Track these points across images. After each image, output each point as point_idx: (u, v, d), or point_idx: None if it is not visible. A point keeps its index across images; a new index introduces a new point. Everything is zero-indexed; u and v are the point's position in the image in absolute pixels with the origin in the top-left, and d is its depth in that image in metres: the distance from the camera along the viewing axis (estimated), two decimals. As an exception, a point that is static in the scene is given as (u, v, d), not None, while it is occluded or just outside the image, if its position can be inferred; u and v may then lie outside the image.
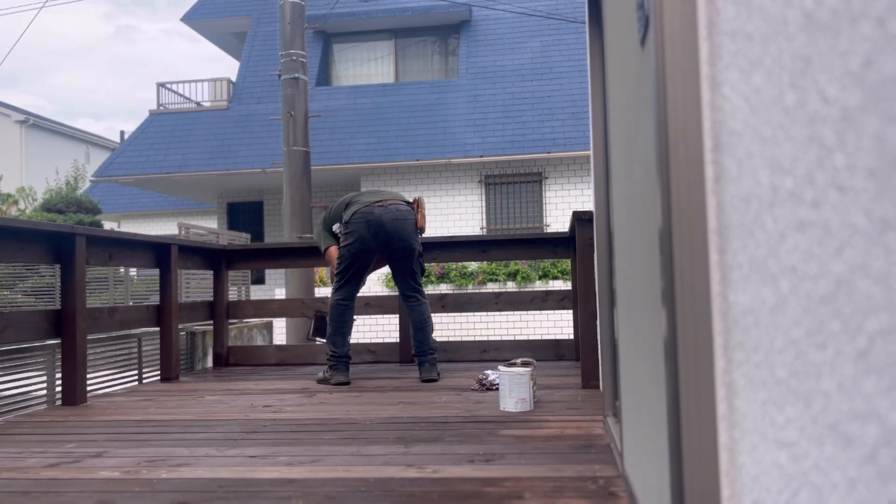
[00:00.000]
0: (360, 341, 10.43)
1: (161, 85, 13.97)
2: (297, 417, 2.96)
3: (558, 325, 11.07)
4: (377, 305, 5.01)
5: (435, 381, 3.86)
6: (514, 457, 2.19)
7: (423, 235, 3.95)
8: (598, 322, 3.15)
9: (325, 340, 4.31)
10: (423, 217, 3.97)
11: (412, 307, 3.96)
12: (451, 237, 4.83)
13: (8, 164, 23.41)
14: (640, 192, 1.38)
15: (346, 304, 3.89)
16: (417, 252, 3.94)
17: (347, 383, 3.87)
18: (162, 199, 19.15)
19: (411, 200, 3.99)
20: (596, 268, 2.88)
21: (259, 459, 2.24)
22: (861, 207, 0.53)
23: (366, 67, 13.97)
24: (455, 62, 13.70)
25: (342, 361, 3.89)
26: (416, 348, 3.94)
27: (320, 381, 3.95)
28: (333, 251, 4.06)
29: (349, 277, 3.88)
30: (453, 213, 12.31)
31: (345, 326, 3.90)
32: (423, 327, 3.93)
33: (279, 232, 14.28)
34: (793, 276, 0.66)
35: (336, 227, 4.04)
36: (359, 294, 10.58)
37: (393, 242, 3.83)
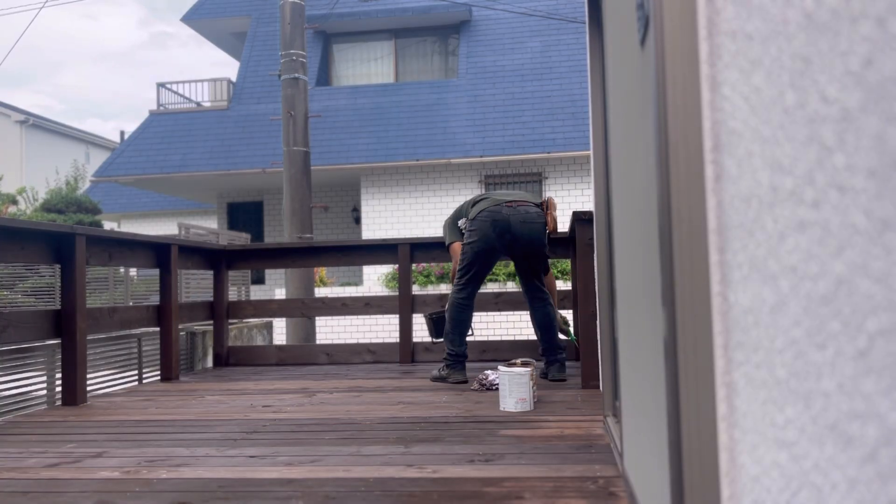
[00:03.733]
0: (361, 341, 10.42)
1: (161, 85, 13.97)
2: (297, 417, 2.96)
3: (558, 325, 11.06)
4: (377, 305, 5.01)
5: (564, 381, 3.77)
6: (514, 457, 2.19)
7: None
8: (598, 322, 3.15)
9: (437, 340, 4.29)
10: (554, 219, 3.83)
11: (537, 308, 3.84)
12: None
13: (8, 164, 23.41)
14: (640, 192, 1.38)
15: (467, 304, 3.81)
16: (544, 254, 3.82)
17: (465, 381, 3.82)
18: (162, 199, 19.14)
19: (541, 201, 3.86)
20: (596, 268, 2.88)
21: (259, 459, 2.24)
22: (861, 207, 0.53)
23: (366, 67, 13.97)
24: (455, 62, 13.70)
25: (460, 360, 3.84)
26: (545, 348, 3.83)
27: (436, 380, 3.88)
28: (457, 247, 4.00)
29: (471, 277, 3.79)
30: (453, 213, 12.30)
31: (464, 326, 3.83)
32: (551, 327, 3.81)
33: (279, 232, 14.28)
34: (793, 276, 0.66)
35: (461, 223, 3.95)
36: (358, 294, 10.57)
37: (518, 245, 3.73)
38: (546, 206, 3.83)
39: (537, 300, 3.85)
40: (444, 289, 11.47)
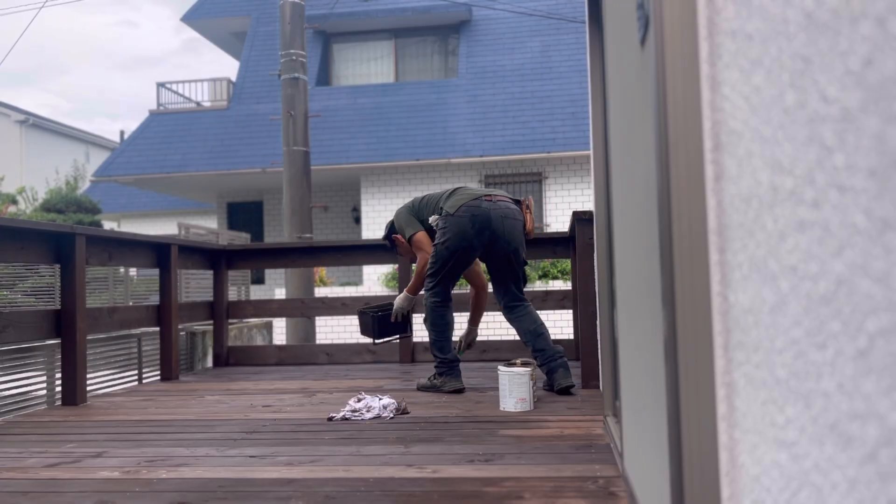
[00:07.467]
0: (361, 341, 10.41)
1: (161, 85, 13.96)
2: (297, 417, 2.96)
3: (558, 325, 11.06)
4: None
5: (573, 386, 3.36)
6: (514, 457, 2.19)
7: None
8: (598, 322, 3.15)
9: (379, 341, 3.84)
10: (532, 220, 3.54)
11: (520, 317, 3.49)
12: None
13: (8, 164, 23.40)
14: (640, 192, 1.38)
15: (446, 306, 3.53)
16: (522, 256, 3.52)
17: (463, 390, 3.50)
18: (162, 198, 19.14)
19: (520, 199, 3.57)
20: (596, 268, 2.88)
21: (259, 459, 2.24)
22: (861, 207, 0.53)
23: (366, 67, 13.97)
24: (455, 62, 13.70)
25: (454, 366, 3.54)
26: (542, 357, 3.39)
27: (425, 389, 3.57)
28: (422, 237, 3.62)
29: (445, 277, 3.49)
30: (453, 213, 12.28)
31: (448, 330, 3.53)
32: (541, 333, 3.44)
33: (279, 232, 14.27)
34: (793, 276, 0.66)
35: (433, 220, 3.58)
36: (358, 294, 10.55)
37: (498, 244, 3.43)
38: (526, 207, 3.56)
39: (517, 308, 3.51)
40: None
